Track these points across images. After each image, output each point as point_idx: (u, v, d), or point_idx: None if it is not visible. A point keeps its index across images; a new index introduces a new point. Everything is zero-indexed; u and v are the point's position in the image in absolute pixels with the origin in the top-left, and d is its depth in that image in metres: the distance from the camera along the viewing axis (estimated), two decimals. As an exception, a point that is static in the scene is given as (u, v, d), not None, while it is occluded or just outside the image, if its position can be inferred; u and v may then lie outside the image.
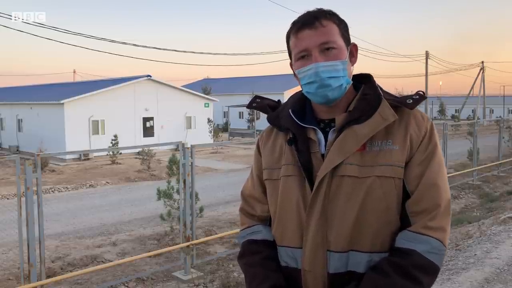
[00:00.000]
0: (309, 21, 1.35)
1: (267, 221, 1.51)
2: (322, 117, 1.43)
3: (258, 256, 1.45)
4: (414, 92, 1.41)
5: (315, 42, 1.34)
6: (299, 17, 1.39)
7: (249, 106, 1.57)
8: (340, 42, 1.36)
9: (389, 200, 1.30)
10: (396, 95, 1.43)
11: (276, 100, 1.58)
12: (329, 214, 1.32)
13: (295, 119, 1.41)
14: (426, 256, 1.26)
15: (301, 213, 1.36)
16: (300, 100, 1.48)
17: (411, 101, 1.35)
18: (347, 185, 1.31)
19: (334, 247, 1.31)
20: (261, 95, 1.59)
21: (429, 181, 1.31)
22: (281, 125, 1.46)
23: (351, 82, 1.40)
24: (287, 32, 1.41)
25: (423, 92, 1.39)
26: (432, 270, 1.27)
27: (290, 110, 1.44)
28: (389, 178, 1.30)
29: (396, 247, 1.29)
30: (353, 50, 1.43)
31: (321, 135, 1.39)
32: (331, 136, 1.37)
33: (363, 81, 1.46)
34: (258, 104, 1.55)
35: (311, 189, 1.34)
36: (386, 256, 1.30)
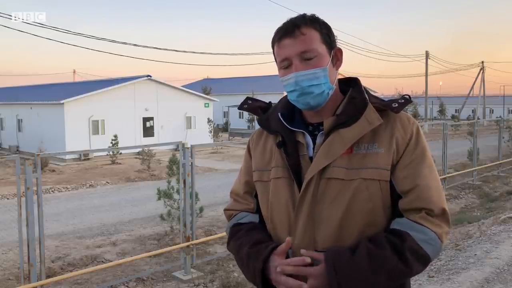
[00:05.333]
0: (289, 29, 1.37)
1: (253, 212, 1.56)
2: (311, 120, 1.46)
3: (242, 231, 1.50)
4: (403, 95, 1.43)
5: (295, 51, 1.36)
6: (282, 25, 1.41)
7: (240, 107, 1.59)
8: (321, 49, 1.38)
9: (375, 202, 1.33)
10: (383, 99, 1.45)
11: (268, 102, 1.60)
12: (316, 215, 1.35)
13: (284, 123, 1.44)
14: (420, 244, 1.28)
15: (290, 214, 1.39)
16: (289, 103, 1.49)
17: (397, 104, 1.38)
18: (333, 187, 1.34)
19: (321, 247, 1.34)
20: (252, 97, 1.61)
21: (420, 182, 1.32)
22: (271, 128, 1.49)
23: (334, 87, 1.42)
24: (272, 40, 1.44)
25: (409, 96, 1.41)
26: (423, 260, 1.29)
27: (279, 114, 1.47)
28: (374, 180, 1.32)
29: (391, 228, 1.32)
30: (337, 54, 1.44)
31: (309, 138, 1.42)
32: (319, 139, 1.40)
33: (351, 84, 1.48)
34: (249, 105, 1.58)
35: (300, 191, 1.37)
36: (382, 232, 1.32)
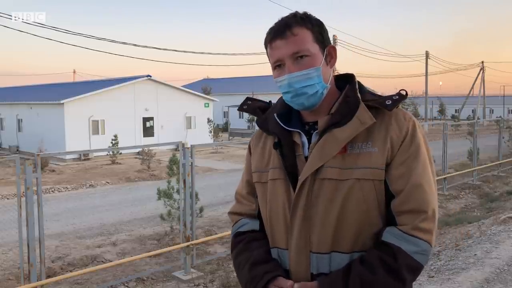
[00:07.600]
0: (280, 30, 1.36)
1: (254, 217, 1.55)
2: (307, 119, 1.45)
3: (242, 243, 1.51)
4: (396, 92, 1.39)
5: (287, 52, 1.35)
6: (273, 25, 1.40)
7: (240, 108, 1.58)
8: (313, 48, 1.36)
9: (369, 202, 1.31)
10: (380, 95, 1.42)
11: (268, 102, 1.59)
12: (312, 216, 1.35)
13: (280, 123, 1.44)
14: (414, 256, 1.27)
15: (286, 215, 1.39)
16: (286, 103, 1.47)
17: (390, 102, 1.35)
18: (327, 188, 1.33)
19: (316, 248, 1.34)
20: (252, 97, 1.59)
21: (413, 182, 1.30)
22: (268, 128, 1.48)
23: (329, 86, 1.41)
24: (264, 41, 1.42)
25: (405, 91, 1.37)
26: (417, 271, 1.30)
27: (275, 114, 1.46)
28: (368, 180, 1.31)
29: (382, 240, 1.30)
30: (331, 52, 1.42)
31: (305, 138, 1.42)
32: (314, 138, 1.39)
33: (348, 81, 1.45)
34: (249, 106, 1.56)
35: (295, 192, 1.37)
36: (374, 249, 1.30)
